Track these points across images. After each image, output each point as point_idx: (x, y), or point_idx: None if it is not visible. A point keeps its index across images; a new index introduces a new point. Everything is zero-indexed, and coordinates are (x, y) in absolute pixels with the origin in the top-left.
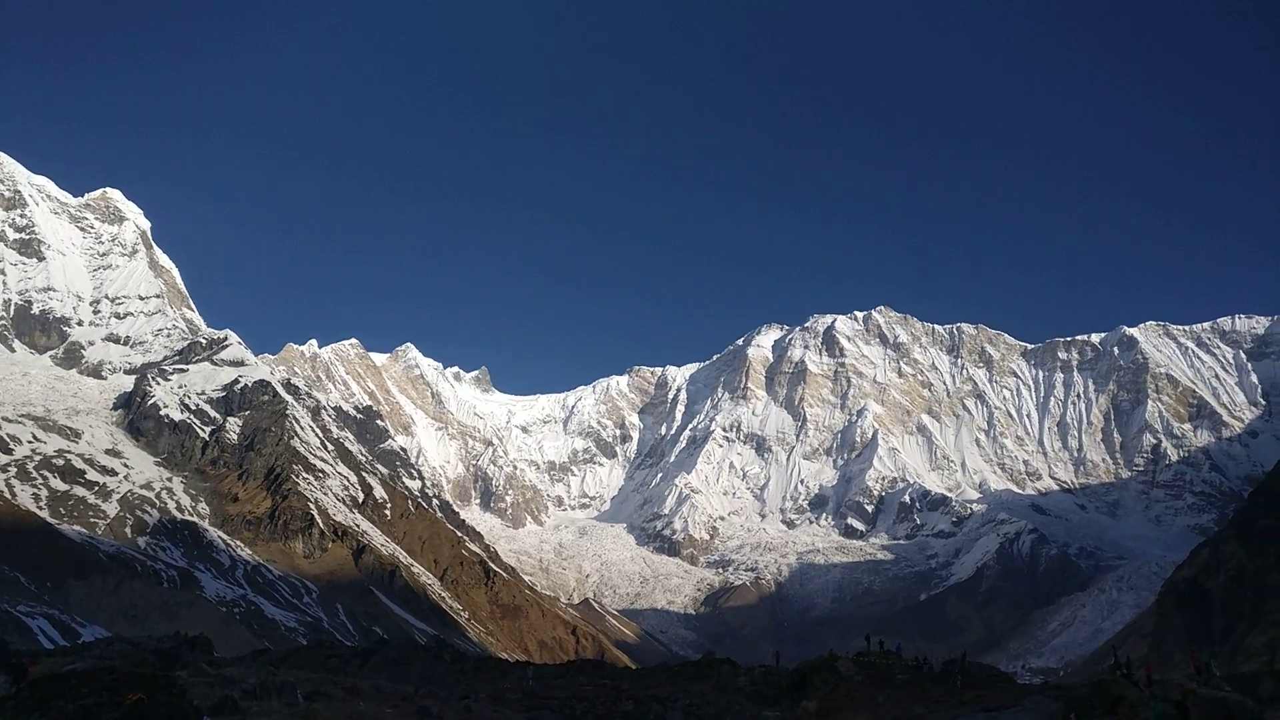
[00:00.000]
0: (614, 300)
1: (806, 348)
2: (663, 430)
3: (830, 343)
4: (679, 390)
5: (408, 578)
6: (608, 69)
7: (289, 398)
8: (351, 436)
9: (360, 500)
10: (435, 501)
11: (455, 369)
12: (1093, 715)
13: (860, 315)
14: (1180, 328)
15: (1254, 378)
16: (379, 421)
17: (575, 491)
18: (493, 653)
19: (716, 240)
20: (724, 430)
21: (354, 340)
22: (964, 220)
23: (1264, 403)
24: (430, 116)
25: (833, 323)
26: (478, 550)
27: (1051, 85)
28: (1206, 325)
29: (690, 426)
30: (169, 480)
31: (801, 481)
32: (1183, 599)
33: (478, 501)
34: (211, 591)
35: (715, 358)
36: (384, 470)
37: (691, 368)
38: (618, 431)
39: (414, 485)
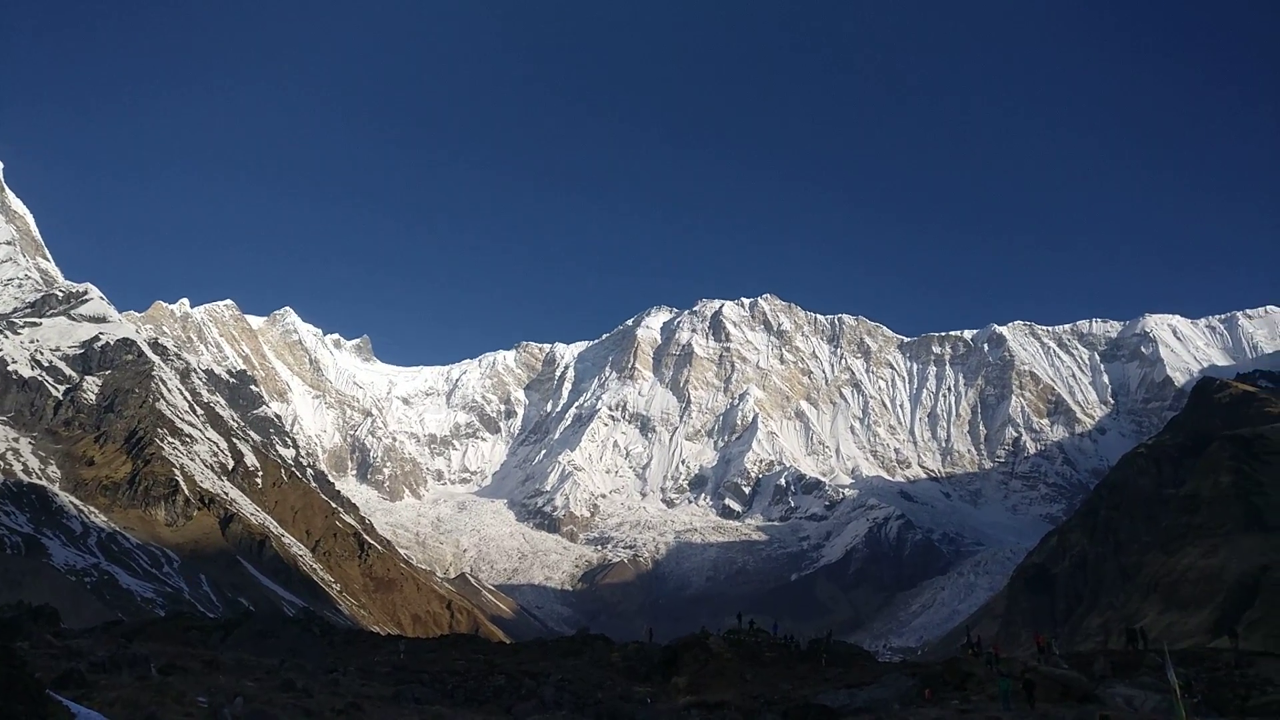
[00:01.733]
0: (504, 275)
1: (694, 331)
2: (549, 407)
3: (717, 327)
4: (567, 368)
5: (278, 548)
6: (510, 41)
7: (156, 358)
8: (223, 401)
9: (230, 467)
10: (310, 471)
11: (336, 336)
12: (945, 690)
13: (747, 302)
14: (1044, 328)
15: (1105, 378)
16: (253, 387)
17: (456, 466)
18: (365, 626)
19: (610, 221)
20: (610, 409)
21: (229, 301)
22: (849, 216)
23: (1113, 402)
24: (328, 65)
25: (720, 308)
26: (353, 522)
27: (954, 85)
28: (1067, 327)
29: (576, 404)
30: (15, 441)
31: (683, 462)
32: (1031, 583)
33: (354, 473)
34: (60, 560)
35: (604, 337)
36: (256, 437)
37: (580, 346)
38: (502, 407)
39: (288, 454)
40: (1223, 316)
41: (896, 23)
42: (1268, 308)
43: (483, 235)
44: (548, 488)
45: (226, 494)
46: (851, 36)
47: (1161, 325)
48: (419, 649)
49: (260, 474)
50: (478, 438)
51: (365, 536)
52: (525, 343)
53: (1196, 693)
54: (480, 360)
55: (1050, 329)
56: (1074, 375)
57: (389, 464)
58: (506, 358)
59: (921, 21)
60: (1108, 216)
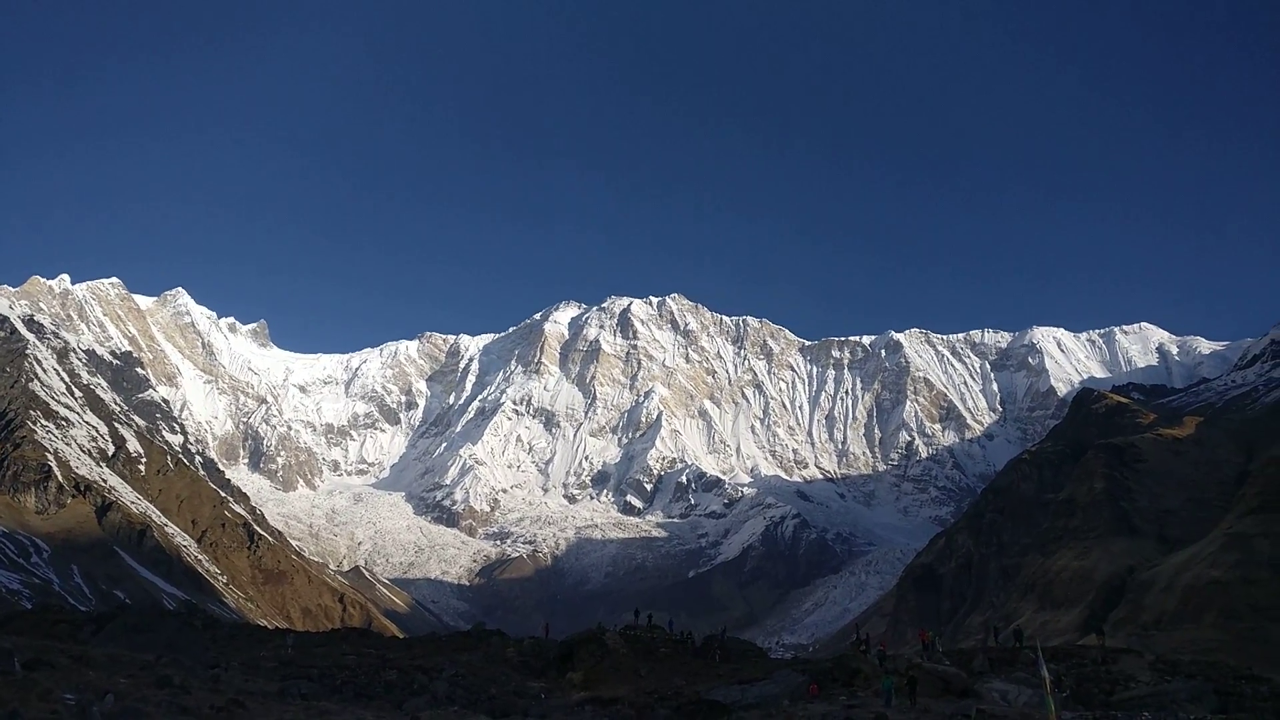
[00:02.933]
0: (409, 262)
1: (602, 328)
2: (451, 399)
3: (625, 325)
4: (471, 360)
5: (160, 538)
6: (425, 30)
7: (30, 335)
8: (105, 384)
9: (110, 453)
10: (198, 459)
11: (231, 319)
12: (833, 686)
13: (655, 300)
14: (939, 336)
15: (995, 386)
16: (139, 370)
17: (353, 457)
18: (251, 620)
19: (520, 213)
20: (514, 403)
21: (115, 280)
22: (757, 222)
23: (1000, 410)
24: (220, 44)
25: (629, 305)
26: (242, 512)
27: (857, 100)
28: (960, 336)
29: (480, 398)
30: None
31: (586, 458)
32: (919, 582)
33: (246, 461)
34: None
35: (511, 330)
36: (141, 422)
37: (486, 338)
38: (403, 398)
39: (175, 440)
40: (1102, 331)
41: (798, 32)
42: (1142, 324)
43: (388, 223)
44: (448, 481)
45: (105, 481)
46: (758, 43)
47: (1047, 338)
48: (308, 643)
49: (144, 461)
50: (377, 429)
51: (255, 527)
52: (429, 333)
53: (1065, 688)
54: (382, 350)
55: (944, 337)
56: (965, 383)
57: (283, 453)
58: (409, 348)
59: (822, 32)
60: (1000, 233)
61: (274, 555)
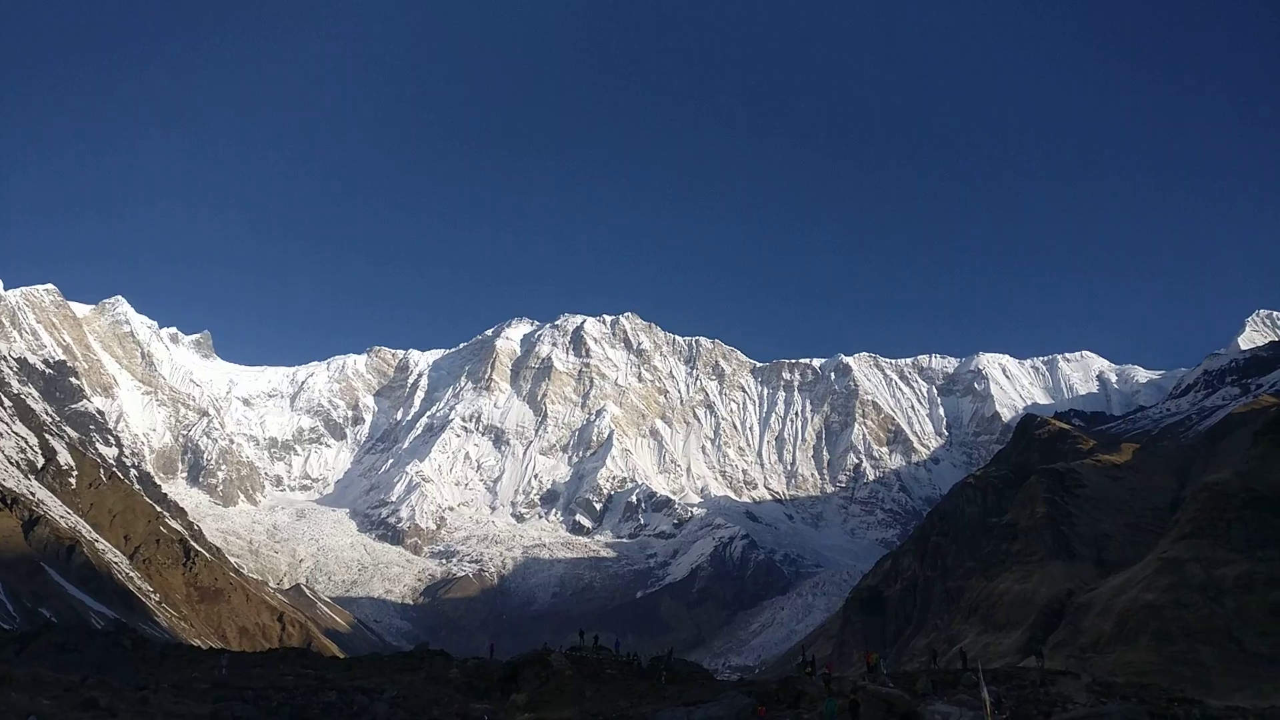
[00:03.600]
0: (358, 277)
1: (555, 345)
2: (399, 415)
3: (578, 343)
4: (420, 375)
5: (89, 554)
6: (360, 42)
7: None
8: (36, 393)
9: (40, 465)
10: (134, 472)
11: (173, 330)
12: (779, 708)
13: (609, 319)
14: (888, 360)
15: (941, 411)
16: (73, 379)
17: (297, 472)
18: (185, 640)
19: (473, 228)
20: (463, 420)
21: (51, 286)
22: (711, 244)
23: (947, 434)
24: (156, 46)
25: (582, 324)
26: (178, 528)
27: (809, 113)
28: (908, 360)
29: (429, 414)
30: None
31: (536, 476)
32: (865, 605)
33: (185, 475)
34: None
35: (462, 346)
36: (74, 434)
37: (436, 354)
38: (350, 413)
39: (109, 452)
40: (1045, 359)
41: (747, 48)
42: (1083, 352)
43: (336, 235)
44: (393, 498)
45: (33, 494)
46: (712, 58)
47: (993, 364)
48: (243, 664)
49: (75, 473)
50: (322, 444)
51: (192, 543)
52: (377, 347)
53: (1005, 709)
54: (329, 363)
55: (893, 362)
56: (913, 407)
57: (224, 467)
58: (357, 362)
59: (772, 47)
60: (949, 261)
61: (211, 572)
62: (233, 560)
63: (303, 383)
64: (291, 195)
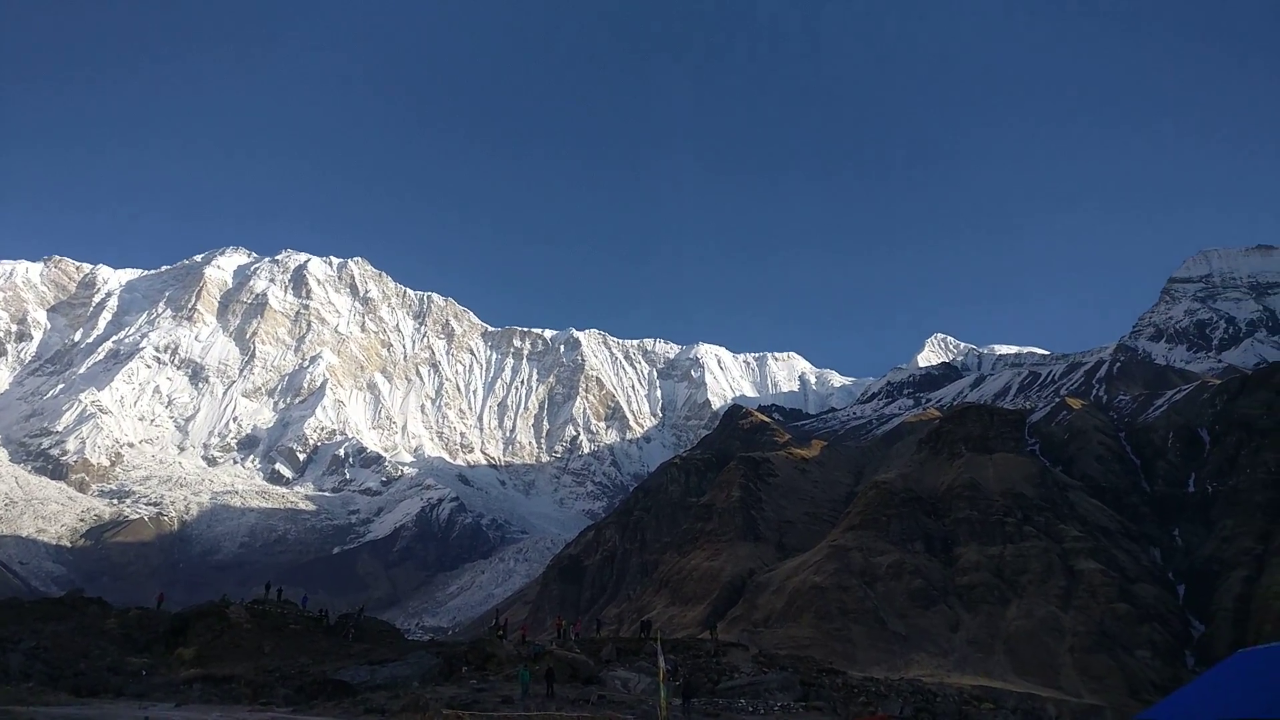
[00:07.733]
0: (40, 176)
1: (273, 281)
2: (77, 336)
3: (299, 282)
4: (110, 295)
5: None
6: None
7: None
8: None
9: None
10: None
11: None
12: (467, 668)
13: (336, 261)
14: (616, 340)
15: (659, 393)
16: None
17: None
18: None
19: (193, 141)
20: (156, 350)
21: None
22: (453, 191)
23: (661, 415)
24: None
25: (306, 262)
26: None
27: (572, 100)
28: (635, 342)
29: (115, 338)
30: None
31: (235, 419)
32: (565, 572)
33: None
34: None
35: (164, 269)
36: None
37: (132, 273)
38: (14, 327)
39: None
40: (757, 355)
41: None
42: (790, 354)
43: (13, 119)
44: (59, 428)
45: None
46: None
47: (710, 354)
48: None
49: None
50: None
51: None
52: (58, 257)
53: (679, 676)
54: None
55: (620, 342)
56: (634, 386)
57: None
58: (30, 270)
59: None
60: (683, 253)
61: None
62: None
63: None
64: None
